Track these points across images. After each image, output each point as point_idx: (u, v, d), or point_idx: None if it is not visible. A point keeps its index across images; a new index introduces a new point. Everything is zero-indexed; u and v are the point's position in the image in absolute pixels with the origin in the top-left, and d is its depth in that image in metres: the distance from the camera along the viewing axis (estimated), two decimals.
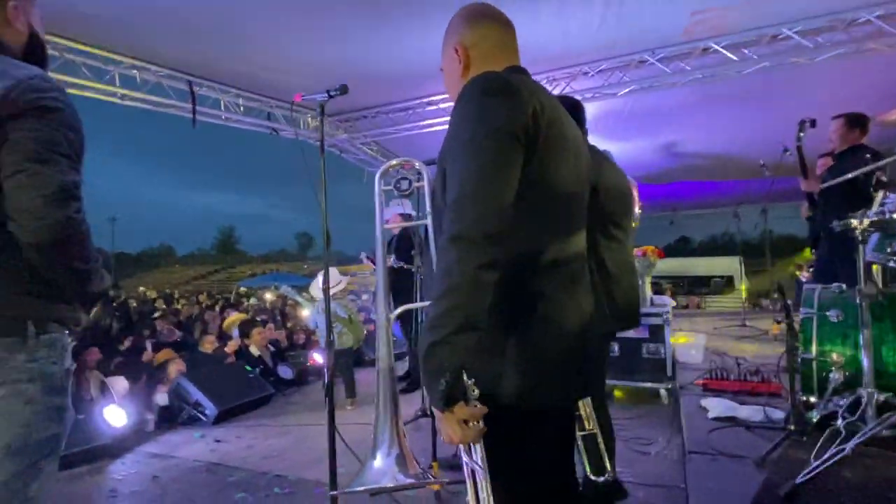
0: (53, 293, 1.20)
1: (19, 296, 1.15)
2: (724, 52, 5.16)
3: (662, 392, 4.33)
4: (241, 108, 6.27)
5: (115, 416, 3.80)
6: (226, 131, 6.79)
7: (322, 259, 2.18)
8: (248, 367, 5.10)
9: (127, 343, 5.86)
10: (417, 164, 1.33)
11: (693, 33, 5.05)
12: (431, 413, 2.90)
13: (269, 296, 13.78)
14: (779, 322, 6.03)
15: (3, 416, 1.12)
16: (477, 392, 0.96)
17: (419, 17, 4.54)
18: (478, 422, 0.95)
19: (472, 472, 1.00)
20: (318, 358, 5.85)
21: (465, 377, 0.95)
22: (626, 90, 5.74)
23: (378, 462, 1.10)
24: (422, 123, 6.98)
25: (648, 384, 4.32)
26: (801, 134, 3.40)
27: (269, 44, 4.94)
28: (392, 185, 1.38)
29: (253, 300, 13.41)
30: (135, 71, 5.10)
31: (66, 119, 1.14)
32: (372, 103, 6.99)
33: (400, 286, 5.62)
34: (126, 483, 3.16)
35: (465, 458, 1.00)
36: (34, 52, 1.30)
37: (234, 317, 7.74)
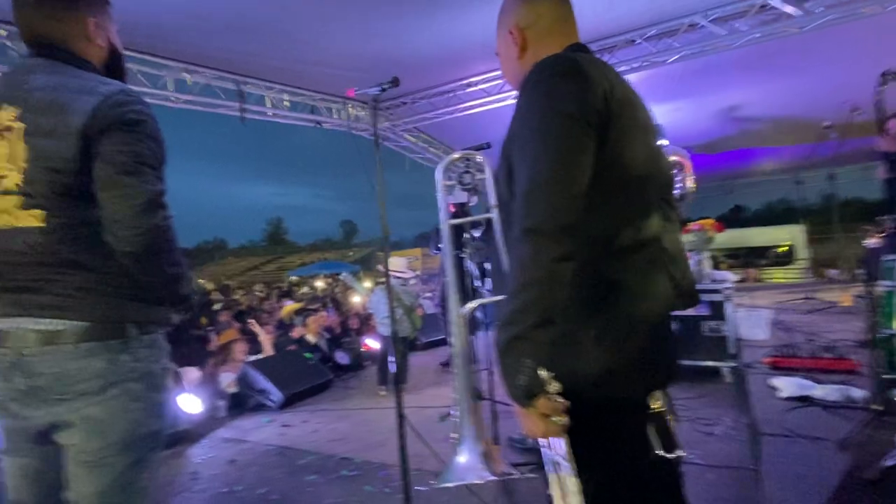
0: (150, 296, 1.26)
1: (121, 300, 1.20)
2: (784, 7, 4.80)
3: (725, 371, 4.19)
4: (287, 104, 6.41)
5: (191, 403, 4.05)
6: (270, 126, 6.98)
7: (379, 248, 2.21)
8: (308, 355, 5.29)
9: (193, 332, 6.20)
10: (479, 158, 1.31)
11: None
12: (490, 396, 2.93)
13: (319, 283, 14.20)
14: (851, 294, 5.68)
15: (115, 413, 1.19)
16: (557, 386, 0.95)
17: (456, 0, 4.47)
18: (560, 416, 0.94)
19: (555, 464, 0.99)
20: (372, 344, 6.00)
21: (544, 372, 0.94)
22: (676, 57, 5.46)
23: (464, 458, 1.12)
24: (462, 106, 6.91)
25: (710, 363, 4.19)
26: (883, 87, 3.11)
27: (311, 39, 5.00)
28: (455, 179, 1.37)
29: (305, 288, 13.85)
30: (185, 74, 5.29)
31: (150, 130, 1.19)
32: (411, 89, 6.97)
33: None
34: (205, 465, 3.38)
35: (547, 452, 0.99)
36: (114, 65, 1.35)
37: (290, 306, 8.05)
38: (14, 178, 1.14)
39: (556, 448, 0.98)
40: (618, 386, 1.03)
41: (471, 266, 4.70)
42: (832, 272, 11.14)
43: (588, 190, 0.96)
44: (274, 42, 5.05)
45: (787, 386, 2.83)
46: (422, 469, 2.90)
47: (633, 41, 5.48)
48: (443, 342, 7.47)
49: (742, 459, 2.80)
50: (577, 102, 0.97)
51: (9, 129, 1.15)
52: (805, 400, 2.68)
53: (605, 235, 1.04)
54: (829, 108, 5.85)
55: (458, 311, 1.14)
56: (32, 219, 1.14)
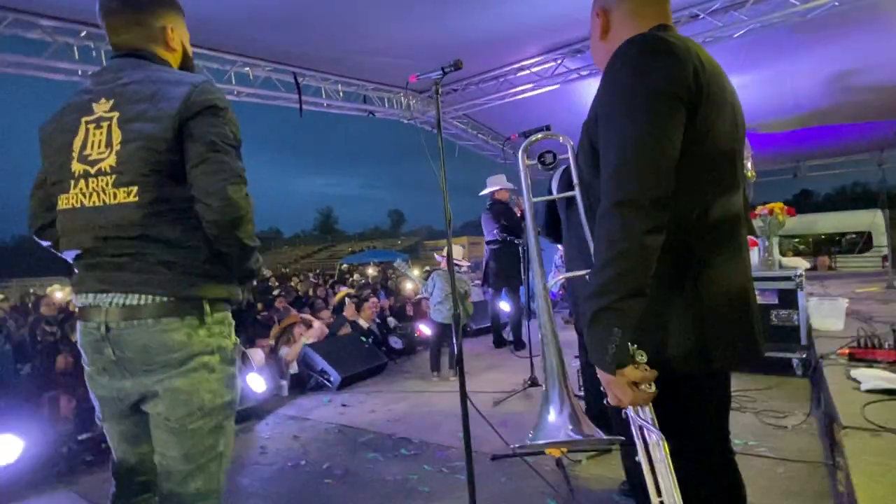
0: (222, 274, 1.36)
1: (196, 277, 1.31)
2: None
3: (795, 362, 3.98)
4: (341, 94, 6.55)
5: (257, 382, 4.28)
6: (322, 117, 7.15)
7: (445, 237, 2.24)
8: (364, 338, 5.45)
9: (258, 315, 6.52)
10: (562, 138, 1.32)
11: None
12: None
13: (370, 271, 14.54)
14: None
15: (194, 384, 1.31)
16: (645, 356, 0.97)
17: None
18: (649, 385, 0.97)
19: (641, 429, 1.02)
20: (424, 329, 6.10)
21: (630, 343, 0.96)
22: (744, 30, 5.14)
23: (552, 417, 1.16)
24: (512, 91, 6.81)
25: (779, 354, 3.99)
26: None
27: (362, 28, 5.06)
28: (536, 159, 1.37)
29: (356, 276, 14.24)
30: (247, 68, 5.51)
31: (231, 116, 1.33)
32: (461, 76, 6.93)
33: (506, 259, 5.70)
34: (272, 441, 3.56)
35: (635, 418, 1.02)
36: (185, 66, 1.51)
37: (342, 291, 8.29)
38: (109, 161, 1.28)
39: (643, 414, 1.02)
40: (703, 358, 1.05)
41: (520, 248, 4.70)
42: None
43: (681, 164, 0.98)
44: (328, 33, 5.15)
45: (869, 378, 2.65)
46: (479, 451, 2.95)
47: (697, 16, 5.20)
48: (503, 326, 7.51)
49: (815, 453, 2.67)
50: (666, 79, 0.99)
51: (105, 118, 1.30)
52: (890, 393, 2.51)
53: (693, 211, 1.05)
54: None
55: (543, 283, 1.17)
56: (125, 194, 1.27)
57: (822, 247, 13.13)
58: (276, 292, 9.88)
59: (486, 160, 9.64)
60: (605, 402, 1.03)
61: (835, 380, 2.79)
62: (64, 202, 1.34)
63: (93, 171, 1.29)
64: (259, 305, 7.71)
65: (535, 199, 1.22)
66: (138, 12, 1.39)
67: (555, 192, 2.41)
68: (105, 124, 1.29)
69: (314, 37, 5.20)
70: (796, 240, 12.12)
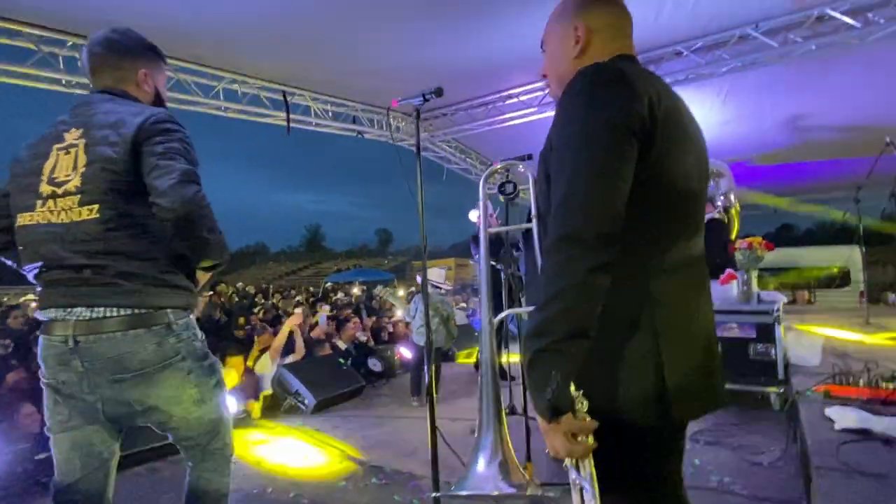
0: (181, 283, 1.48)
1: (156, 287, 1.41)
2: (845, 17, 4.59)
3: (773, 396, 3.97)
4: (330, 114, 6.57)
5: (228, 403, 4.15)
6: (312, 135, 7.14)
7: (415, 257, 2.21)
8: (342, 360, 5.35)
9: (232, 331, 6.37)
10: (522, 167, 1.29)
11: (805, 0, 4.55)
12: (524, 412, 2.88)
13: (355, 290, 14.42)
14: None
15: (176, 388, 1.45)
16: (586, 404, 0.91)
17: (498, 11, 4.49)
18: (586, 436, 0.90)
19: (579, 487, 0.95)
20: (405, 352, 6.01)
21: (573, 388, 0.90)
22: (726, 69, 5.30)
23: (481, 467, 1.08)
24: (500, 118, 6.91)
25: (757, 388, 3.99)
26: None
27: (354, 50, 5.12)
28: (496, 189, 1.36)
29: (340, 294, 14.09)
30: (236, 85, 5.51)
31: (181, 136, 1.45)
32: (450, 101, 7.02)
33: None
34: (238, 466, 3.43)
35: (572, 474, 0.95)
36: (157, 104, 1.65)
37: (320, 311, 8.18)
38: (74, 182, 1.40)
39: (582, 470, 0.93)
40: (661, 412, 0.97)
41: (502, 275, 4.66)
42: (892, 297, 10.47)
43: (633, 202, 0.93)
44: (319, 53, 5.20)
45: (843, 417, 2.65)
46: (452, 481, 2.87)
47: (680, 53, 5.35)
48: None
49: (791, 492, 2.64)
50: (619, 110, 0.94)
51: (74, 145, 1.44)
52: (863, 433, 2.50)
53: (650, 252, 1.00)
54: (892, 123, 5.54)
55: (489, 319, 1.12)
56: (88, 212, 1.39)
57: (801, 281, 13.34)
58: (256, 309, 9.72)
59: (473, 183, 9.73)
60: (545, 451, 0.98)
61: (810, 417, 2.78)
62: (27, 219, 1.44)
63: (60, 191, 1.41)
64: (242, 320, 7.56)
65: (490, 230, 1.20)
66: (118, 57, 1.58)
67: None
68: (73, 150, 1.43)
69: (304, 56, 5.24)
70: (773, 275, 12.29)
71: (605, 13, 1.15)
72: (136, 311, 1.38)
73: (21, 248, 1.47)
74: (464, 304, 12.00)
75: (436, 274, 5.41)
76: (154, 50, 1.67)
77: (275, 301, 12.07)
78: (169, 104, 5.58)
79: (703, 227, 1.13)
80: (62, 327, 1.37)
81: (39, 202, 1.43)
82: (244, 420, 4.33)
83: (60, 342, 1.37)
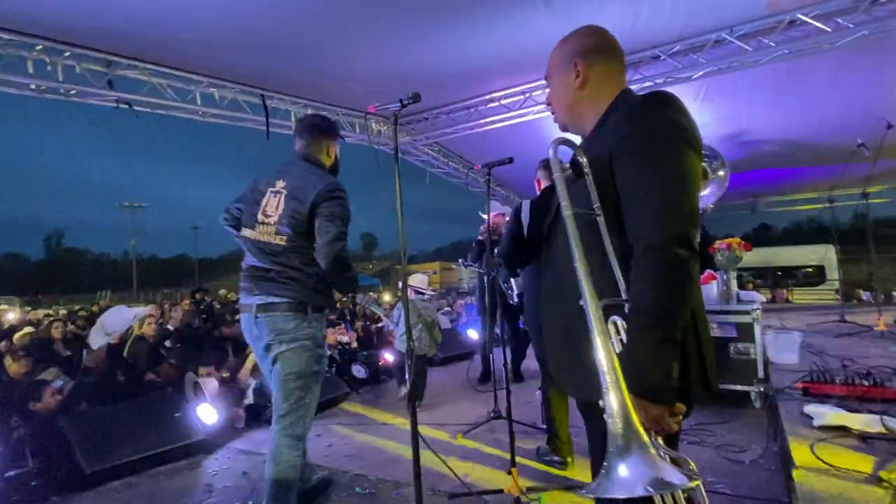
0: (323, 291, 2.31)
1: (306, 290, 2.25)
2: (815, 22, 4.70)
3: (753, 394, 4.03)
4: None
5: (208, 414, 4.06)
6: (292, 139, 6.98)
7: (398, 262, 2.20)
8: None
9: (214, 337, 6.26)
10: (580, 156, 1.23)
11: (778, 5, 4.65)
12: (507, 415, 2.86)
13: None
14: (885, 318, 5.44)
15: (294, 358, 2.22)
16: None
17: (478, 16, 4.50)
18: (679, 417, 1.07)
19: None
20: (389, 357, 5.96)
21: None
22: (702, 73, 5.39)
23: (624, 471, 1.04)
24: (482, 122, 6.92)
25: (738, 386, 4.04)
26: None
27: (335, 55, 5.08)
28: (568, 163, 1.27)
29: (369, 294, 13.86)
30: (213, 89, 5.42)
31: (343, 202, 2.26)
32: (432, 105, 7.02)
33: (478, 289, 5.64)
34: (220, 478, 3.36)
35: (663, 449, 1.04)
36: (334, 169, 2.52)
37: None
38: (275, 218, 2.28)
39: (658, 440, 1.05)
40: (706, 385, 1.16)
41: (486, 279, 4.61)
42: (865, 294, 10.75)
43: None
44: (299, 58, 5.15)
45: (822, 414, 2.69)
46: (437, 490, 2.84)
47: (659, 56, 5.42)
48: (461, 357, 7.36)
49: (773, 490, 2.67)
50: (692, 133, 1.14)
51: (279, 192, 2.31)
52: (842, 430, 2.54)
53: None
54: (864, 127, 5.68)
55: (600, 317, 1.01)
56: (279, 239, 2.27)
57: (778, 279, 13.63)
58: (238, 317, 9.56)
59: (456, 187, 9.73)
60: (643, 426, 0.95)
61: (789, 415, 2.82)
62: (249, 234, 2.35)
63: (267, 221, 2.30)
64: (223, 327, 7.41)
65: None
66: (316, 137, 2.47)
67: (525, 218, 2.36)
68: (278, 196, 2.31)
69: (283, 60, 5.18)
70: (752, 274, 12.53)
71: (604, 55, 1.32)
72: (289, 301, 2.22)
73: (244, 250, 2.39)
74: (448, 308, 11.96)
75: (418, 280, 5.38)
76: (336, 130, 2.55)
77: None
78: (144, 108, 5.48)
79: None
80: (248, 308, 2.28)
81: (257, 225, 2.32)
82: (229, 430, 4.24)
83: (250, 316, 2.27)
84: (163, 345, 5.45)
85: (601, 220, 1.15)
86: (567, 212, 1.12)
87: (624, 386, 0.96)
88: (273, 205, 2.28)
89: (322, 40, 4.79)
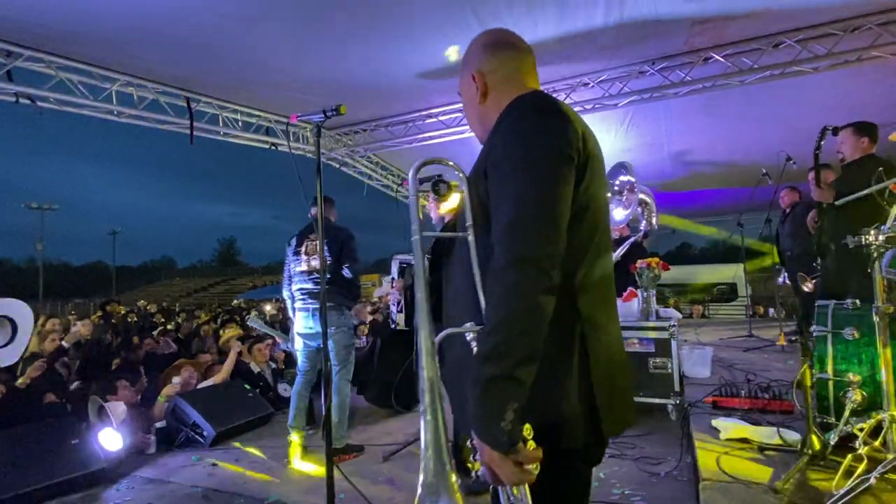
0: (349, 296, 3.83)
1: (340, 296, 3.73)
2: (726, 61, 5.12)
3: (670, 407, 4.23)
4: (240, 124, 6.24)
5: (112, 440, 3.71)
6: (227, 144, 6.71)
7: (319, 283, 2.09)
8: (248, 386, 5.00)
9: (123, 356, 5.77)
10: (456, 170, 1.18)
11: (694, 44, 5.02)
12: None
13: (269, 308, 13.66)
14: (787, 335, 5.93)
15: (341, 337, 3.79)
16: (532, 432, 0.89)
17: (414, 32, 4.52)
18: (535, 465, 0.89)
19: None
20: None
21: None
22: (627, 101, 5.70)
23: None
24: (420, 136, 6.94)
25: (656, 400, 4.22)
26: (822, 141, 3.29)
27: (266, 60, 4.91)
28: (429, 187, 1.22)
29: (254, 313, 13.25)
30: (131, 88, 5.07)
31: (353, 245, 3.78)
32: (370, 117, 6.97)
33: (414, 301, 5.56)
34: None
35: (511, 499, 0.91)
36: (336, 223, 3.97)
37: (231, 331, 7.62)
38: (313, 257, 3.77)
39: (522, 497, 0.91)
40: (593, 430, 1.00)
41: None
42: (770, 311, 11.71)
43: (568, 226, 0.96)
44: (227, 61, 4.93)
45: (727, 427, 2.86)
46: None
47: (587, 84, 5.69)
48: None
49: (685, 501, 2.79)
50: (560, 138, 0.99)
51: (314, 241, 3.78)
52: (744, 442, 2.71)
53: (578, 271, 1.03)
54: (768, 157, 6.23)
55: (429, 339, 0.99)
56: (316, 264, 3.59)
57: (697, 296, 14.59)
58: (157, 330, 8.91)
59: (393, 200, 9.66)
60: (479, 478, 0.92)
61: (698, 429, 2.97)
62: (295, 267, 3.89)
63: (309, 258, 3.77)
64: (136, 339, 6.89)
65: (425, 234, 1.07)
66: (328, 206, 3.89)
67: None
68: (314, 243, 3.74)
69: (211, 62, 4.94)
70: (673, 290, 13.33)
71: (499, 56, 1.21)
72: (335, 302, 3.67)
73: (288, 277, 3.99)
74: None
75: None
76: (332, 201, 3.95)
77: (180, 321, 11.16)
78: (49, 105, 5.06)
79: (611, 247, 1.21)
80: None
81: (303, 261, 3.80)
82: (136, 457, 3.89)
83: (314, 310, 3.65)
84: (62, 361, 4.95)
85: (471, 239, 1.06)
86: (415, 236, 1.06)
87: (441, 414, 0.89)
88: (311, 249, 3.80)
89: (253, 45, 4.62)
